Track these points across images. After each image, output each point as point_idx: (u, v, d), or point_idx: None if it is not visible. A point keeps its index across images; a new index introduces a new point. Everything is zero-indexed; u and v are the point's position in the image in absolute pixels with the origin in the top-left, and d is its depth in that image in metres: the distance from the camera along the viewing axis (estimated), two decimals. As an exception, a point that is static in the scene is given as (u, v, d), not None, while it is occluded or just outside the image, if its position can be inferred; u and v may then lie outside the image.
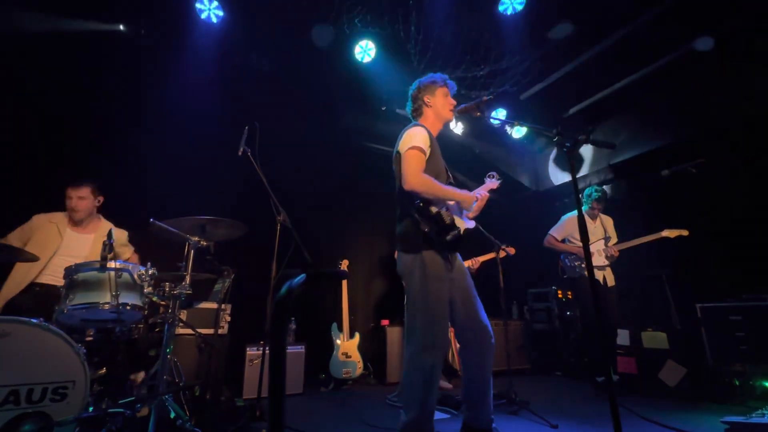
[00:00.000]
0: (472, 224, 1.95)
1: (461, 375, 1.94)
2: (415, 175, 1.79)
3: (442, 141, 2.11)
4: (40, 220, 2.61)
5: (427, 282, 1.79)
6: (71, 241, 2.63)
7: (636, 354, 3.92)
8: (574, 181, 1.52)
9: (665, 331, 3.79)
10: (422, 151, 1.85)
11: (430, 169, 1.89)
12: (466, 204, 1.89)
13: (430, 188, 1.80)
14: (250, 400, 2.89)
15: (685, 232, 3.51)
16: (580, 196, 3.33)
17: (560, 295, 4.84)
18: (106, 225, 2.81)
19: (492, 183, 2.12)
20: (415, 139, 1.87)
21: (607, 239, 3.72)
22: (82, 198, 2.66)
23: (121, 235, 2.83)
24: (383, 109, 4.97)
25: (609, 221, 3.88)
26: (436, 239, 1.79)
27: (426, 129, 1.97)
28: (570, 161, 1.54)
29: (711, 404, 2.93)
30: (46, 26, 3.22)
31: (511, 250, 3.41)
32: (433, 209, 1.79)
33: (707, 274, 3.96)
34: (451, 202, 1.95)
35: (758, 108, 3.67)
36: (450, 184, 1.98)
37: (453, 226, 1.79)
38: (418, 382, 1.70)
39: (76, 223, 2.69)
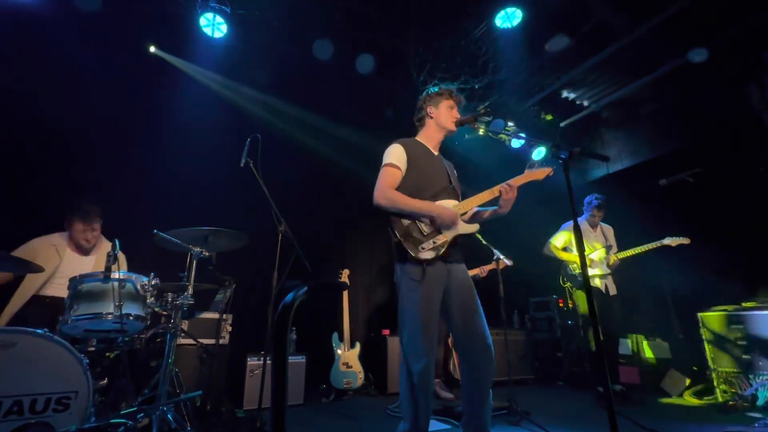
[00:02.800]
0: (472, 228, 1.89)
1: (461, 387, 1.92)
2: (380, 190, 1.86)
3: (445, 153, 2.13)
4: (38, 243, 2.54)
5: (409, 292, 1.80)
6: (71, 263, 2.57)
7: (638, 363, 3.91)
8: (570, 190, 1.55)
9: (667, 340, 3.78)
10: (395, 167, 1.91)
11: (409, 183, 1.92)
12: (439, 219, 1.79)
13: (393, 203, 1.83)
14: (251, 411, 2.89)
15: (686, 241, 3.50)
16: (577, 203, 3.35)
17: (561, 304, 4.83)
18: (107, 244, 2.76)
19: (533, 172, 1.88)
20: (389, 157, 1.95)
21: (608, 248, 3.72)
22: (95, 230, 2.63)
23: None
24: (387, 115, 5.02)
25: (610, 230, 3.88)
26: (410, 252, 1.79)
27: (402, 145, 1.99)
28: (565, 172, 1.57)
29: (713, 414, 2.91)
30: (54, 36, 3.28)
31: (510, 261, 3.41)
32: (404, 222, 1.82)
33: (708, 283, 3.96)
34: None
35: (753, 115, 3.72)
36: (446, 195, 1.93)
37: (428, 237, 1.79)
38: (408, 392, 1.73)
39: (82, 251, 2.65)
